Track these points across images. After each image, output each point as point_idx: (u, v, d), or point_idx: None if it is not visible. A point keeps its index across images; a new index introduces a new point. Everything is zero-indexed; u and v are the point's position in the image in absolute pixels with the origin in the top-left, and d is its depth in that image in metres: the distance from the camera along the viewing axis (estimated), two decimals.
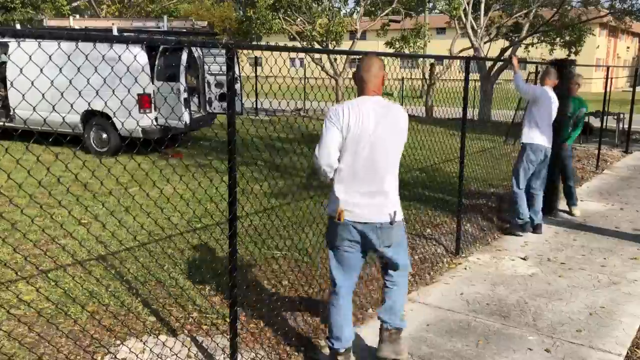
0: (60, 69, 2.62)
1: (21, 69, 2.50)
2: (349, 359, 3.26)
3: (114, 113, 9.31)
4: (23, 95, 2.40)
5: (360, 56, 3.22)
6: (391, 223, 3.03)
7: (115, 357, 3.33)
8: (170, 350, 3.37)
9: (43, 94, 2.64)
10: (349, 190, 2.99)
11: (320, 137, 2.99)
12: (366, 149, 2.96)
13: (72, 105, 3.33)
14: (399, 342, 3.29)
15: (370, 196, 3.00)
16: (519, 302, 4.34)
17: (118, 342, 3.50)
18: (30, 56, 2.64)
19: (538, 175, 6.23)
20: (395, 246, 3.15)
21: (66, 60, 2.66)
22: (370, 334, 3.76)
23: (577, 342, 3.70)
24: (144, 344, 3.48)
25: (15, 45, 10.19)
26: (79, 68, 2.67)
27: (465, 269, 5.06)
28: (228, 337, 3.40)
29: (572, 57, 19.53)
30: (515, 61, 6.38)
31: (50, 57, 2.47)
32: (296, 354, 3.50)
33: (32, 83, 2.52)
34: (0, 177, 7.39)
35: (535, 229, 6.20)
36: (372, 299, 4.30)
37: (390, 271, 3.30)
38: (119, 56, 3.26)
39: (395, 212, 3.06)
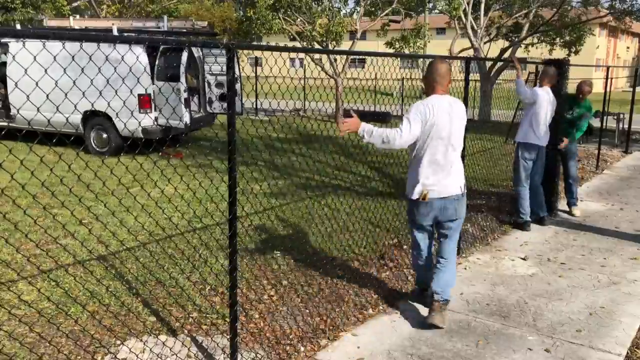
0: (65, 69, 2.63)
1: (26, 70, 2.50)
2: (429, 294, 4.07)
3: (116, 113, 9.32)
4: (27, 95, 2.41)
5: (430, 60, 3.88)
6: (462, 195, 3.83)
7: (116, 357, 3.33)
8: (170, 350, 3.37)
9: (47, 95, 2.64)
10: (430, 173, 3.72)
11: (406, 124, 3.62)
12: (444, 140, 3.67)
13: (75, 106, 3.33)
14: (446, 312, 3.92)
15: (447, 176, 3.74)
16: (518, 302, 4.34)
17: (118, 342, 3.50)
18: (38, 56, 2.64)
19: (536, 172, 6.36)
20: (459, 222, 3.92)
21: (67, 60, 2.66)
22: (369, 334, 3.76)
23: (577, 342, 3.70)
24: (144, 344, 3.48)
25: (15, 45, 10.18)
26: (83, 69, 2.68)
27: (465, 268, 5.06)
28: (228, 337, 3.40)
29: (572, 57, 19.54)
30: (517, 63, 6.44)
31: (54, 57, 2.48)
32: (296, 354, 3.50)
33: (37, 84, 2.51)
34: (3, 177, 7.40)
35: (541, 221, 6.39)
36: (372, 299, 4.30)
37: (444, 251, 3.96)
38: (122, 57, 3.26)
39: (464, 185, 3.85)
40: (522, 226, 6.25)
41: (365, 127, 3.62)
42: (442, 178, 3.72)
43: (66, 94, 2.69)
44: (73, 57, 2.83)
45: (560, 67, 6.58)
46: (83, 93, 2.71)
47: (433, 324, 3.78)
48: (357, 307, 4.16)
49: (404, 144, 3.63)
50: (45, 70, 2.56)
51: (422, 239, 4.01)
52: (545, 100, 6.12)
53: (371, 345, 3.61)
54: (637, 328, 3.93)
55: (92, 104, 4.07)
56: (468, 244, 5.68)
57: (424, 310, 4.12)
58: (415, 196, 3.76)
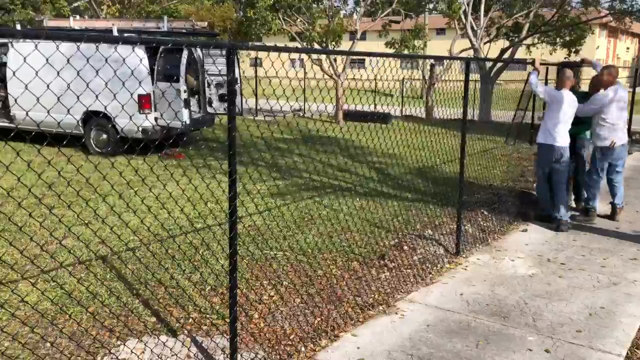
0: (78, 70, 2.63)
1: (35, 70, 2.50)
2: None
3: (114, 114, 9.33)
4: (25, 95, 2.41)
5: (606, 66, 6.62)
6: (627, 144, 6.79)
7: (117, 357, 3.34)
8: (170, 350, 3.37)
9: (48, 95, 2.64)
10: (613, 132, 6.40)
11: (595, 105, 6.41)
12: (621, 110, 6.42)
13: (80, 104, 3.31)
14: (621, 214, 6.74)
15: (624, 133, 6.52)
16: (518, 302, 4.34)
17: (119, 342, 3.50)
18: (52, 57, 2.63)
19: (556, 171, 6.59)
20: (624, 160, 6.73)
21: (67, 61, 2.66)
22: (369, 334, 3.77)
23: (577, 343, 3.70)
24: (144, 344, 3.49)
25: (16, 45, 10.18)
26: (83, 69, 2.67)
27: (465, 269, 5.07)
28: (228, 337, 3.40)
29: (572, 57, 19.55)
30: (537, 63, 6.63)
31: (47, 58, 2.47)
32: (296, 354, 3.50)
33: (48, 85, 2.51)
34: (10, 179, 7.40)
35: (548, 218, 6.56)
36: (374, 299, 4.31)
37: (615, 176, 6.65)
38: (123, 57, 3.26)
39: (630, 139, 7.11)
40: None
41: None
42: (622, 134, 6.44)
43: (67, 92, 2.69)
44: (68, 58, 2.82)
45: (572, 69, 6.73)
46: (82, 94, 2.71)
47: (616, 220, 6.60)
48: (357, 308, 4.17)
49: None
50: (48, 69, 2.56)
51: (604, 171, 6.56)
52: (565, 101, 6.27)
53: (371, 346, 3.61)
54: (637, 328, 3.94)
55: (91, 105, 4.06)
56: (468, 244, 5.68)
57: (424, 310, 4.13)
58: (606, 144, 6.43)
